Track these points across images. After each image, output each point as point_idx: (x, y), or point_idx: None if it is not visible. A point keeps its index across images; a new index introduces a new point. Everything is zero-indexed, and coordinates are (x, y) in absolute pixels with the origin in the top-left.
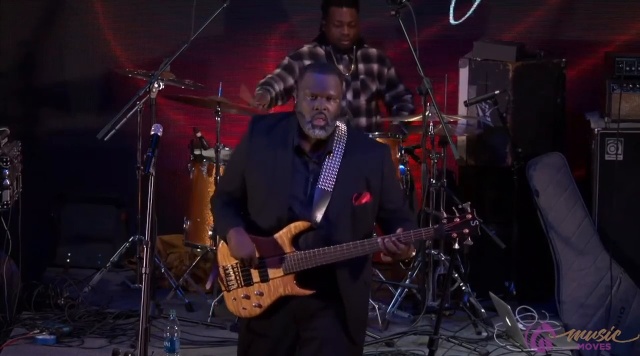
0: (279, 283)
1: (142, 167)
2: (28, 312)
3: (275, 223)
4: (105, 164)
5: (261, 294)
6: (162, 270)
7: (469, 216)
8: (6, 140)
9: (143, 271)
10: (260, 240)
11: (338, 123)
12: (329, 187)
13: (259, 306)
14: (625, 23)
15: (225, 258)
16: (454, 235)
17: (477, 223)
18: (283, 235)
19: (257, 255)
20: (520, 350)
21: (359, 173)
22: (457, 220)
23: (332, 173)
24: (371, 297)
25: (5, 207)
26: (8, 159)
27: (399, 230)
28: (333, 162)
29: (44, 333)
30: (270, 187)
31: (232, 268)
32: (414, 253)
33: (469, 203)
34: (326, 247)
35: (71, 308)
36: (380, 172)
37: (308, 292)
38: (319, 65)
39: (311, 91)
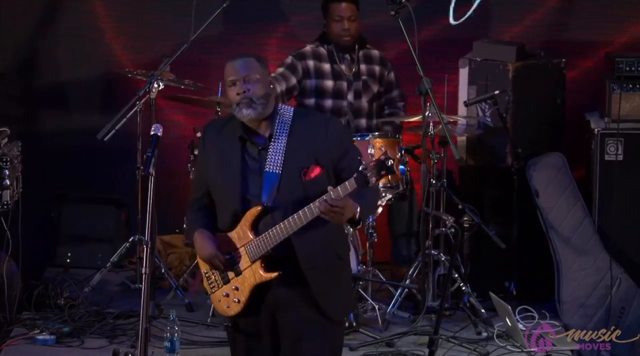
0: (249, 273)
1: (142, 167)
2: (28, 312)
3: (232, 216)
4: (105, 164)
5: (237, 289)
6: (162, 270)
7: (382, 157)
8: (6, 140)
9: (143, 271)
10: (224, 236)
11: (283, 106)
12: (277, 169)
13: (238, 301)
14: (625, 24)
15: (204, 264)
16: (374, 179)
17: (392, 162)
18: (242, 225)
19: (222, 251)
20: (520, 350)
21: (306, 151)
22: (373, 164)
23: (278, 156)
24: (371, 297)
25: (5, 207)
26: (8, 159)
27: (328, 188)
28: (278, 144)
29: (44, 333)
30: (223, 181)
31: (211, 271)
32: (358, 209)
33: (381, 147)
34: (276, 226)
35: (71, 308)
36: (327, 144)
37: (273, 275)
38: (235, 55)
39: (229, 79)
